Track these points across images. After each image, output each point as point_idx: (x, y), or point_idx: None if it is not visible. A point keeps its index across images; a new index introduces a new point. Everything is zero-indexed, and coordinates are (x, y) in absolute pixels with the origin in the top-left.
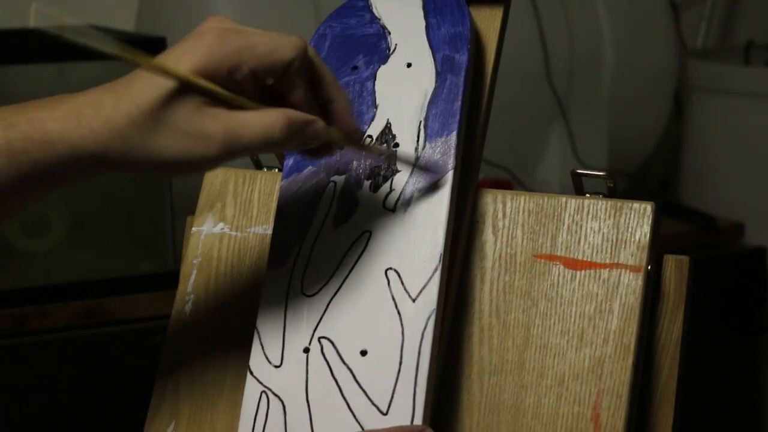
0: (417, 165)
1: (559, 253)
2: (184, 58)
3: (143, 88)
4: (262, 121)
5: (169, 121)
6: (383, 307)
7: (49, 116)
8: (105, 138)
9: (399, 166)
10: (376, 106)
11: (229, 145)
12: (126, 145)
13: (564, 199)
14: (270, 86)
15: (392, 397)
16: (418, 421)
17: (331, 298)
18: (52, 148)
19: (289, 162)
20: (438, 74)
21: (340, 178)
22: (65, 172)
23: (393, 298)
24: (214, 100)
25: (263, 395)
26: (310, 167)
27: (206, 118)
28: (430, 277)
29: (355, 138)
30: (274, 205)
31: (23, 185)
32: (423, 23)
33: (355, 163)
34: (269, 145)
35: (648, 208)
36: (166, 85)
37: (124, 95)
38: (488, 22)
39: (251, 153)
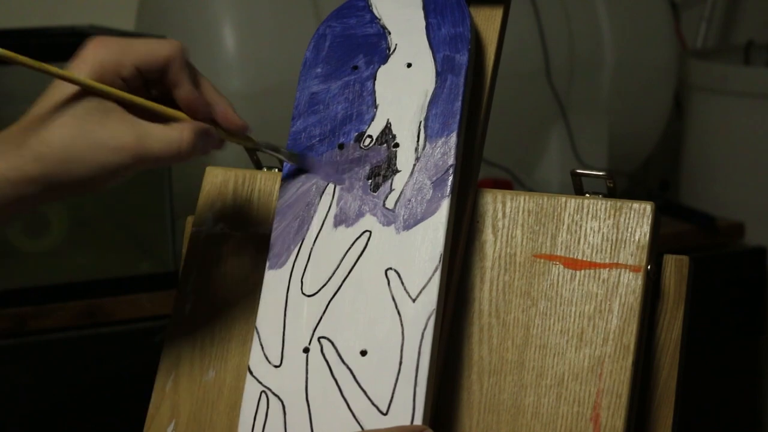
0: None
1: (558, 253)
2: (78, 69)
3: (38, 106)
4: (169, 135)
5: (70, 124)
6: (383, 307)
7: None
8: (19, 166)
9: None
10: (376, 106)
11: (141, 153)
12: (43, 167)
13: (564, 199)
14: (157, 90)
15: (392, 397)
16: (418, 421)
17: (331, 298)
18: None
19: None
20: (438, 74)
21: (340, 178)
22: (20, 209)
23: (393, 298)
24: (115, 110)
25: (263, 395)
26: (309, 167)
27: (119, 126)
28: (430, 277)
29: (244, 134)
30: (273, 204)
31: None
32: (423, 23)
33: (355, 163)
34: (178, 156)
35: (648, 208)
36: (60, 94)
37: (14, 126)
38: (488, 22)
39: (159, 165)
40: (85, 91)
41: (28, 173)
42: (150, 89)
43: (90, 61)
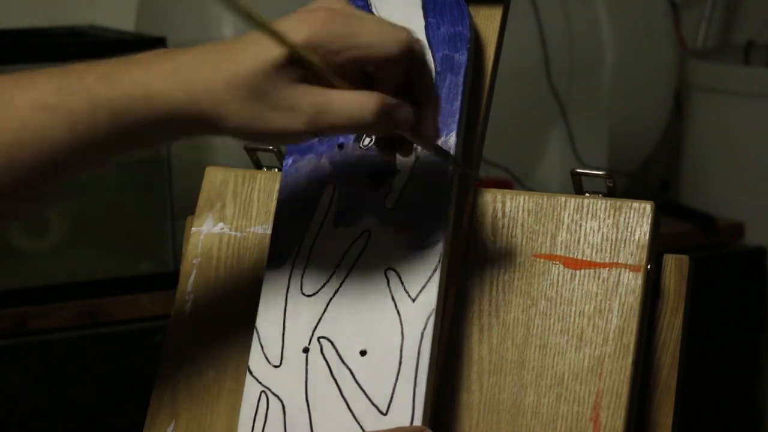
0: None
1: (558, 253)
2: (295, 30)
3: (246, 56)
4: (354, 100)
5: (266, 93)
6: (383, 307)
7: (151, 76)
8: (202, 101)
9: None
10: None
11: (316, 120)
12: (221, 111)
13: (563, 199)
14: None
15: (392, 397)
16: (418, 421)
17: (331, 298)
18: (152, 108)
19: (289, 161)
20: (437, 74)
21: (340, 178)
22: (164, 131)
23: (393, 298)
24: (309, 77)
25: (263, 395)
26: (309, 167)
27: (298, 93)
28: (430, 277)
29: (430, 145)
30: (273, 204)
31: (122, 142)
32: (422, 22)
33: (355, 163)
34: (358, 126)
35: (648, 207)
36: (270, 56)
37: (225, 60)
38: (488, 21)
39: (338, 132)
40: (293, 58)
41: (212, 95)
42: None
43: (311, 30)
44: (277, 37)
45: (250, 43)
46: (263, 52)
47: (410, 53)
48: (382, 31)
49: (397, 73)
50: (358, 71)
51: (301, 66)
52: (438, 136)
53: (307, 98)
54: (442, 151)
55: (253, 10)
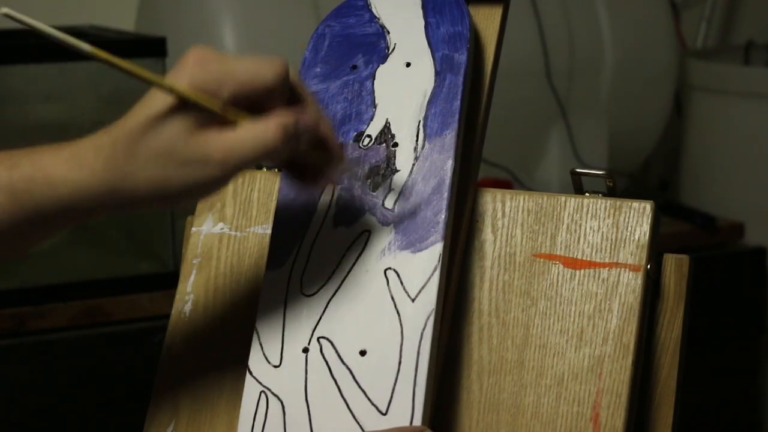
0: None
1: (558, 253)
2: (176, 78)
3: (133, 116)
4: (256, 128)
5: (161, 145)
6: (382, 307)
7: (52, 159)
8: (106, 176)
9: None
10: (375, 106)
11: (229, 163)
12: (127, 182)
13: (563, 199)
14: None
15: (391, 397)
16: (418, 421)
17: (331, 298)
18: (54, 190)
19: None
20: (437, 74)
21: (339, 178)
22: (69, 213)
23: (392, 298)
24: (203, 123)
25: (262, 395)
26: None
27: (200, 142)
28: (429, 277)
29: (339, 162)
30: (273, 204)
31: (26, 226)
32: (422, 23)
33: (354, 162)
34: (267, 153)
35: (647, 207)
36: (155, 106)
37: (116, 129)
38: (487, 21)
39: (251, 165)
40: (180, 105)
41: (113, 167)
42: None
43: (190, 75)
44: (163, 85)
45: (140, 104)
46: (147, 106)
47: (286, 80)
48: (256, 63)
49: (281, 101)
50: (244, 107)
51: (194, 111)
52: (342, 151)
53: (212, 143)
54: (348, 167)
55: (131, 64)
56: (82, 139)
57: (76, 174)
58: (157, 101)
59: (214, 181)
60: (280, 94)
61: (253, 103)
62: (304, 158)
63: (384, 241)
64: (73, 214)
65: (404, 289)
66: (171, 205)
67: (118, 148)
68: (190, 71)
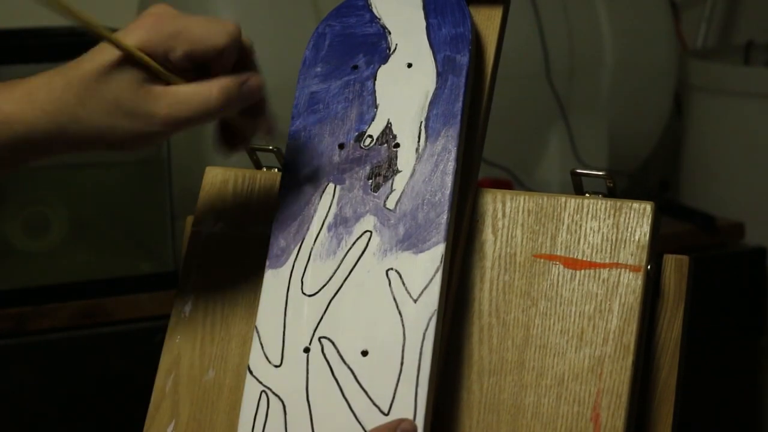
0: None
1: (558, 253)
2: (128, 36)
3: (85, 61)
4: (198, 91)
5: (110, 94)
6: (384, 307)
7: (5, 99)
8: (57, 117)
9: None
10: (376, 106)
11: (171, 120)
12: (76, 124)
13: (564, 199)
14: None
15: (393, 397)
16: (420, 421)
17: (332, 298)
18: (10, 129)
19: (289, 161)
20: (439, 75)
21: (340, 178)
22: (22, 150)
23: (394, 299)
24: (150, 79)
25: (263, 395)
26: (309, 167)
27: (148, 97)
28: (432, 278)
29: (268, 131)
30: (273, 204)
31: None
32: (423, 23)
33: (355, 163)
34: (209, 113)
35: (648, 207)
36: (105, 58)
37: (69, 69)
38: (488, 21)
39: (194, 125)
40: (128, 59)
41: (63, 108)
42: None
43: (143, 33)
44: (110, 40)
45: (92, 52)
46: (100, 56)
47: (238, 41)
48: (210, 25)
49: (230, 62)
50: (195, 67)
51: (140, 68)
52: (271, 127)
53: (159, 99)
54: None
55: (86, 15)
56: (34, 76)
57: (29, 113)
58: (107, 53)
59: (155, 134)
60: (229, 55)
61: (204, 61)
62: (234, 121)
63: (386, 241)
64: (26, 151)
65: (406, 289)
66: (117, 150)
67: (69, 92)
68: (144, 29)
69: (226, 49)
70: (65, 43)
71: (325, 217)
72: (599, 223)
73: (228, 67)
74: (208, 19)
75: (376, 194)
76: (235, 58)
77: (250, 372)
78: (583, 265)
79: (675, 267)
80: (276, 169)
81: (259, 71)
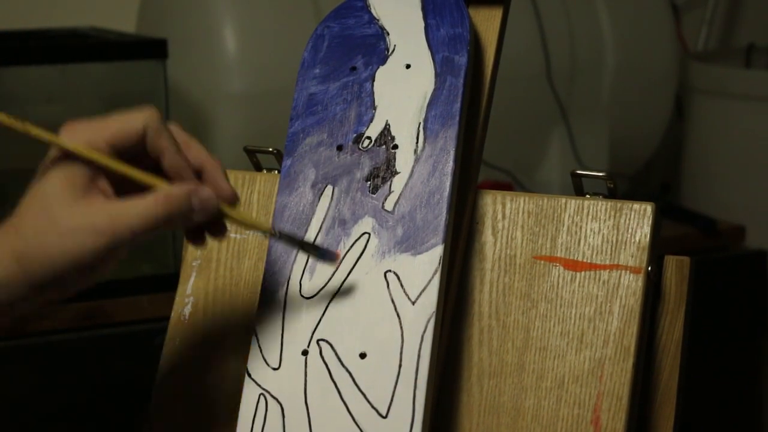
0: (305, 248)
1: (558, 255)
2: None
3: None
4: (142, 203)
5: (52, 215)
6: (382, 309)
7: None
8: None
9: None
10: (375, 108)
11: (116, 234)
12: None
13: (564, 200)
14: (146, 164)
15: (392, 400)
16: (418, 423)
17: (330, 300)
18: None
19: (288, 163)
20: (437, 76)
21: (339, 180)
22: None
23: (392, 301)
24: (86, 190)
25: (261, 398)
26: (308, 169)
27: (89, 210)
28: (430, 280)
29: (231, 202)
30: (273, 206)
31: None
32: (422, 24)
33: (353, 164)
34: (155, 226)
35: (648, 208)
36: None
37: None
38: (487, 22)
39: (140, 238)
40: (63, 160)
41: (11, 274)
42: (141, 163)
43: (63, 146)
44: (48, 140)
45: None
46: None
47: (160, 122)
48: (127, 114)
49: (163, 147)
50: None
51: (78, 171)
52: (235, 193)
53: (100, 213)
54: (244, 217)
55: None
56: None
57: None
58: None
59: (99, 251)
60: (158, 138)
61: (137, 153)
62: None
63: (384, 243)
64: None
65: (404, 291)
66: (68, 288)
67: (15, 233)
68: (65, 138)
69: (148, 131)
70: (66, 45)
71: (324, 219)
72: (599, 224)
73: (166, 152)
74: (123, 113)
75: (374, 196)
76: (169, 142)
77: (249, 375)
78: (583, 266)
79: (676, 268)
80: (276, 171)
81: (206, 155)
